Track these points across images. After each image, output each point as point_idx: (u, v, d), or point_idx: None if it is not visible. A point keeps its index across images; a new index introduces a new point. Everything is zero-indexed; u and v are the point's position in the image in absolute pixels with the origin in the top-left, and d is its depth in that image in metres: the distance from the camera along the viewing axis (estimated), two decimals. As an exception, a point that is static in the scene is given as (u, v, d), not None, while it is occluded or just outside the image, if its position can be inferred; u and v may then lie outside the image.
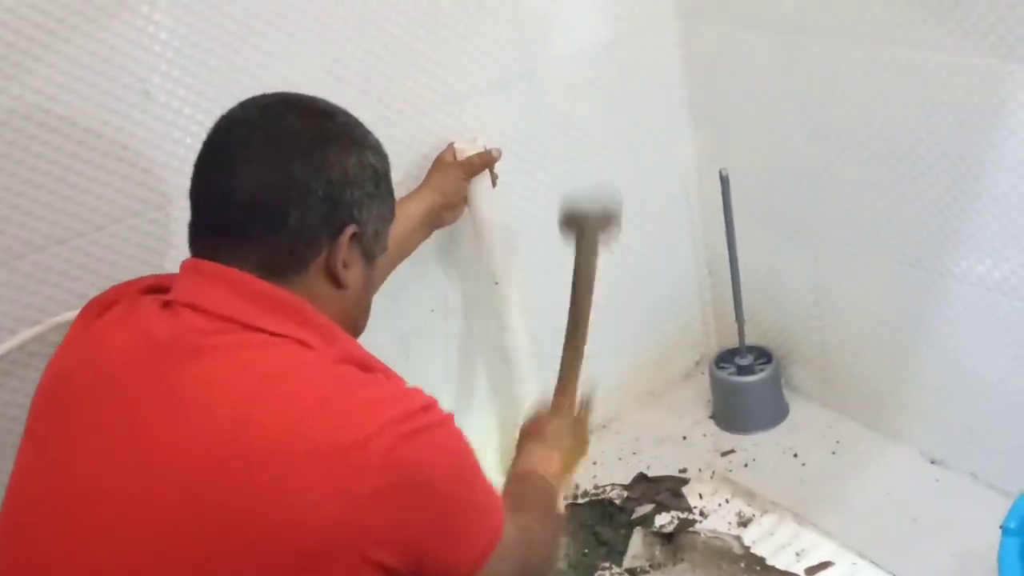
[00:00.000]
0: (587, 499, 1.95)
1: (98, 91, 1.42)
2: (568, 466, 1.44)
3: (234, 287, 1.08)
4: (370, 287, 1.21)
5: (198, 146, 1.47)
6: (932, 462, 1.86)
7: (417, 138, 1.73)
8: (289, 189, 1.08)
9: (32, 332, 1.43)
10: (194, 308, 1.07)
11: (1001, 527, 1.37)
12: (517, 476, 1.38)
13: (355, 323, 1.20)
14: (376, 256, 1.19)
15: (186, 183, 1.49)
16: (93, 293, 1.44)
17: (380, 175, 1.17)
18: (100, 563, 1.00)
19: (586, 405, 1.54)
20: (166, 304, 1.10)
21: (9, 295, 1.42)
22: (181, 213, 1.50)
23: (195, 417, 1.00)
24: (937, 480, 1.83)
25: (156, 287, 1.17)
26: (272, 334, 1.06)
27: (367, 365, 1.10)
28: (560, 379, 1.55)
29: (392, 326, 1.81)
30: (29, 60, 1.36)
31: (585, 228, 1.62)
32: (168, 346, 1.06)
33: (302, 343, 1.06)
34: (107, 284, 1.45)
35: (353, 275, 1.14)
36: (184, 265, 1.13)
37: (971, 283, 1.65)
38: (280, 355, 1.05)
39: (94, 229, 1.46)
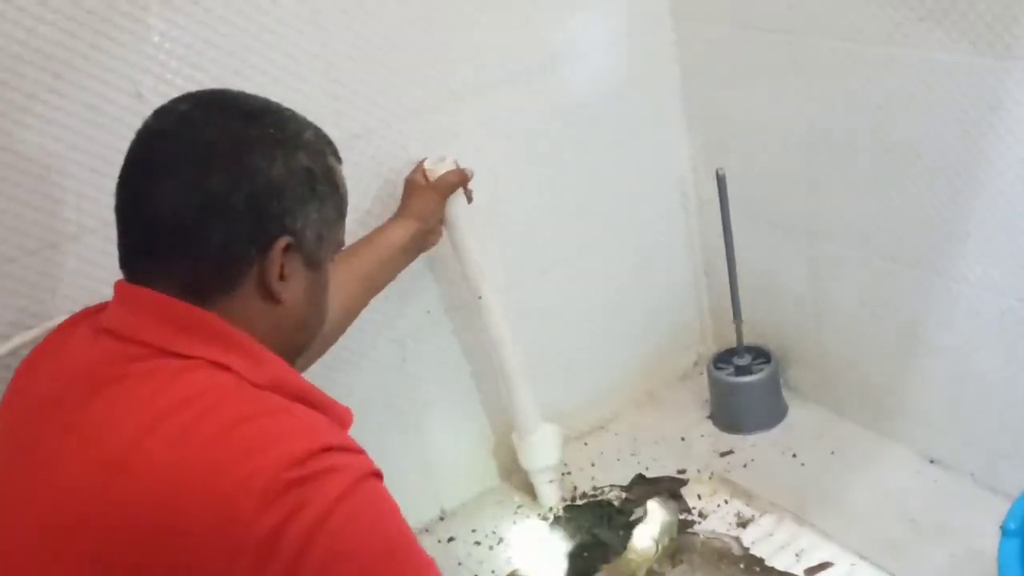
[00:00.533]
0: (585, 500, 1.94)
1: (90, 93, 1.41)
2: None
3: (152, 311, 1.03)
4: (316, 296, 1.14)
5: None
6: (931, 462, 1.86)
7: (412, 138, 1.72)
8: (207, 207, 1.02)
9: (27, 336, 1.41)
10: (113, 334, 1.03)
11: (1001, 528, 1.36)
12: None
13: (294, 339, 1.13)
14: (323, 261, 1.12)
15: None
16: (86, 297, 1.44)
17: (317, 176, 1.09)
18: None
19: None
20: (95, 329, 1.06)
21: (2, 299, 1.40)
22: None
23: (84, 452, 0.96)
24: (936, 481, 1.82)
25: (101, 307, 1.13)
26: (187, 357, 1.00)
27: (302, 396, 1.04)
28: None
29: (388, 329, 1.80)
30: (20, 64, 1.35)
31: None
32: (82, 375, 1.02)
33: (219, 365, 1.01)
34: (102, 287, 1.45)
35: (292, 287, 1.08)
36: (115, 287, 1.08)
37: (969, 283, 1.64)
38: (188, 380, 0.99)
39: (87, 232, 1.45)
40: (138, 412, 0.96)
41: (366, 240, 1.61)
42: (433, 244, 1.71)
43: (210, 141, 1.04)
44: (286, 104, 1.13)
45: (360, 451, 1.00)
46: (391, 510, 0.99)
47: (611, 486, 1.97)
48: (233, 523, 0.89)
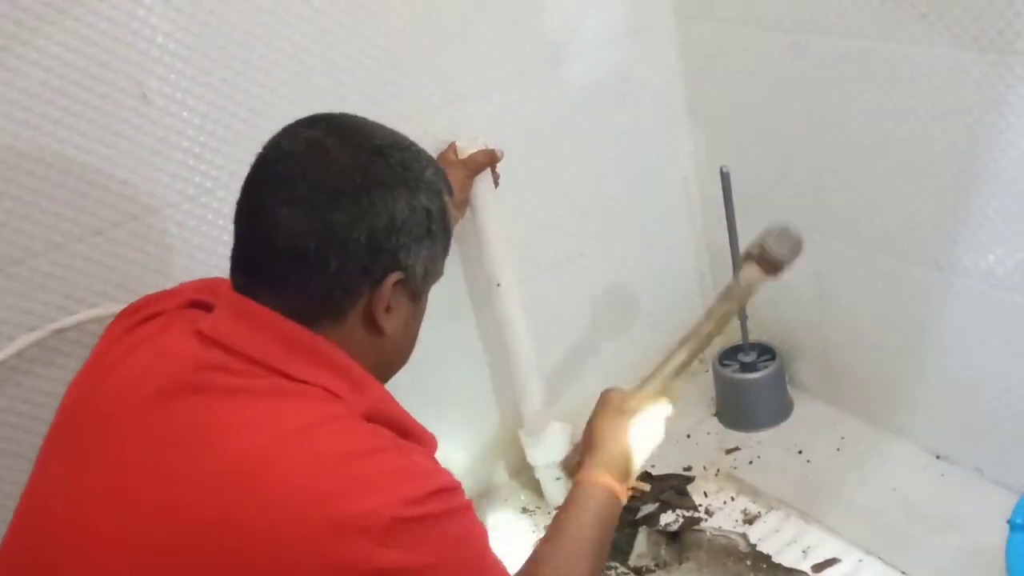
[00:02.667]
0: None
1: (95, 95, 1.41)
2: (633, 471, 1.33)
3: (267, 329, 1.05)
4: (416, 324, 1.17)
5: (196, 149, 1.49)
6: (937, 458, 1.85)
7: (418, 139, 1.71)
8: (330, 238, 1.04)
9: (31, 338, 1.42)
10: (225, 348, 1.04)
11: (1008, 523, 1.36)
12: (569, 500, 1.27)
13: (392, 365, 1.16)
14: (425, 293, 1.15)
15: (184, 188, 1.51)
16: (92, 298, 1.45)
17: (433, 216, 1.11)
18: None
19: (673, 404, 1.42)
20: (198, 334, 1.07)
21: (7, 301, 1.41)
22: (183, 217, 1.53)
23: (200, 462, 0.98)
24: (942, 475, 1.82)
25: (197, 302, 1.15)
26: (299, 381, 1.03)
27: (399, 424, 1.07)
28: (663, 367, 1.44)
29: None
30: (25, 64, 1.35)
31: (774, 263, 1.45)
32: (189, 382, 1.03)
33: (330, 392, 1.03)
34: (107, 288, 1.47)
35: (395, 319, 1.10)
36: (225, 295, 1.10)
37: (975, 278, 1.64)
38: (307, 407, 1.01)
39: (92, 233, 1.46)
40: (260, 429, 0.98)
41: None
42: (456, 221, 1.70)
43: (339, 173, 1.05)
44: (289, 107, 1.13)
45: (458, 486, 1.03)
46: (484, 543, 1.05)
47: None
48: (349, 551, 0.92)
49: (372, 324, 1.08)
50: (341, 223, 1.04)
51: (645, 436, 1.38)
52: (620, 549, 1.86)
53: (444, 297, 1.86)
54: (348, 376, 1.06)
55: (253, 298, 1.06)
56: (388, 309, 1.09)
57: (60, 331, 1.43)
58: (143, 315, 1.16)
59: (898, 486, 1.81)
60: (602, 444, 1.32)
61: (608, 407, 1.37)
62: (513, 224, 1.88)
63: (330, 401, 1.03)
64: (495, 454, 2.04)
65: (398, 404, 1.11)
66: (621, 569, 1.82)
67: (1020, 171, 1.50)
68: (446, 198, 1.16)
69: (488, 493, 2.01)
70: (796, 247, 1.44)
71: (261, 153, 1.10)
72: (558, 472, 1.93)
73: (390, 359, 1.15)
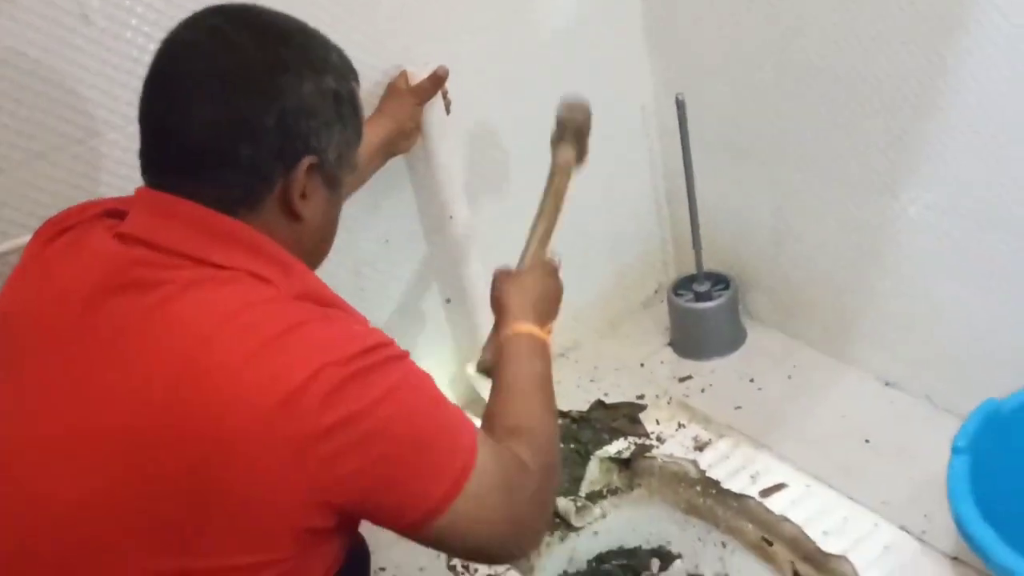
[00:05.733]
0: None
1: (36, 15, 1.37)
2: (550, 319, 1.41)
3: (188, 221, 1.04)
4: (333, 214, 1.17)
5: (139, 72, 1.44)
6: (887, 385, 1.88)
7: (378, 69, 1.70)
8: (240, 126, 1.03)
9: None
10: (147, 243, 1.04)
11: (951, 446, 1.38)
12: (501, 360, 1.31)
13: (314, 255, 1.17)
14: (342, 180, 1.15)
15: (127, 111, 1.47)
16: (33, 223, 1.41)
17: (342, 98, 1.11)
18: (38, 509, 0.99)
19: (555, 257, 1.53)
20: (119, 235, 1.07)
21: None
22: (127, 141, 1.49)
23: (143, 359, 0.98)
24: (892, 403, 1.84)
25: (113, 211, 1.14)
26: (227, 268, 1.03)
27: (326, 301, 1.08)
28: (528, 244, 1.54)
29: (345, 256, 1.79)
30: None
31: (575, 126, 1.63)
32: (118, 282, 1.03)
33: (259, 277, 1.04)
34: (48, 214, 1.42)
35: (312, 205, 1.10)
36: (138, 195, 1.09)
37: (927, 207, 1.65)
38: (235, 291, 1.02)
39: (35, 157, 1.43)
40: (196, 316, 0.99)
41: None
42: (406, 149, 1.71)
43: (243, 61, 1.05)
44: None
45: (392, 341, 1.06)
46: (428, 385, 1.08)
47: (570, 412, 1.98)
48: (296, 419, 0.95)
49: (289, 210, 1.09)
50: (250, 110, 1.04)
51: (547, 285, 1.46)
52: (572, 476, 1.88)
53: (397, 227, 1.86)
54: (274, 260, 1.06)
55: (168, 193, 1.06)
56: (304, 195, 1.09)
57: (3, 255, 1.41)
58: (58, 229, 1.14)
59: (847, 414, 1.83)
60: (507, 305, 1.37)
61: (500, 280, 1.43)
62: (469, 153, 1.86)
63: (260, 285, 1.04)
64: (447, 386, 2.04)
65: (327, 286, 1.12)
66: (572, 496, 1.84)
67: (978, 102, 1.50)
68: (354, 84, 1.15)
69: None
70: (584, 110, 1.63)
71: (161, 47, 1.08)
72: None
73: (312, 248, 1.15)
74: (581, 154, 1.63)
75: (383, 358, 1.03)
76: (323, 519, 1.00)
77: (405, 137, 1.68)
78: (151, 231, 1.05)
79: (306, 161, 1.07)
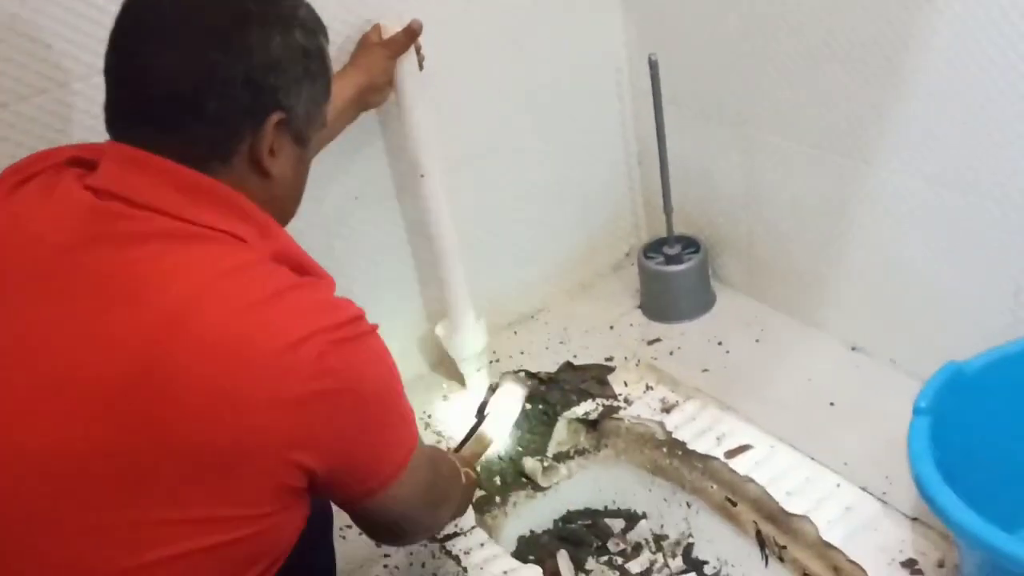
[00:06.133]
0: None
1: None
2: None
3: (163, 177, 1.04)
4: (302, 171, 1.18)
5: (105, 20, 1.42)
6: (853, 349, 1.89)
7: (349, 24, 1.68)
8: (206, 79, 1.03)
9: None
10: (124, 199, 1.03)
11: (912, 407, 1.39)
12: None
13: (284, 212, 1.17)
14: (310, 138, 1.16)
15: (94, 60, 1.44)
16: (-4, 172, 1.41)
17: (310, 54, 1.11)
18: (12, 457, 0.98)
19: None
20: (91, 188, 1.05)
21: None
22: (92, 92, 1.46)
23: (125, 310, 0.98)
24: (857, 367, 1.85)
25: (78, 159, 1.13)
26: (206, 227, 1.03)
27: (302, 265, 1.09)
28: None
29: (314, 213, 1.77)
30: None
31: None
32: (97, 234, 1.02)
33: (237, 238, 1.04)
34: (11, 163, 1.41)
35: (281, 162, 1.11)
36: (108, 148, 1.08)
37: (896, 172, 1.65)
38: (219, 251, 1.02)
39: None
40: (181, 275, 1.00)
41: None
42: (378, 104, 1.70)
43: (212, 14, 1.05)
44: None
45: (364, 313, 1.09)
46: (392, 362, 1.12)
47: (539, 373, 1.98)
48: (285, 377, 0.97)
49: (258, 167, 1.09)
50: (218, 63, 1.04)
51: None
52: (541, 436, 1.89)
53: (368, 184, 1.84)
54: (251, 220, 1.07)
55: (137, 146, 1.05)
56: (272, 152, 1.09)
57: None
58: (21, 177, 1.13)
59: (813, 377, 1.84)
60: None
61: None
62: (441, 112, 1.84)
63: (240, 246, 1.04)
64: (416, 346, 2.04)
65: (300, 247, 1.12)
66: (538, 457, 1.85)
67: (949, 65, 1.50)
68: (323, 40, 1.15)
69: (409, 384, 2.00)
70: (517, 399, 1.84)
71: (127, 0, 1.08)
72: (478, 363, 1.94)
73: (281, 205, 1.15)
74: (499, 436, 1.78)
75: (363, 331, 1.06)
76: (298, 479, 1.02)
77: (377, 91, 1.66)
78: (127, 186, 1.04)
79: (274, 117, 1.07)
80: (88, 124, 1.47)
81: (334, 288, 1.11)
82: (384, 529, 1.24)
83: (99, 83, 1.43)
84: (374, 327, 1.09)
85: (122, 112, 1.08)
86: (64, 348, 0.99)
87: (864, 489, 1.59)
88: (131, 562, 0.97)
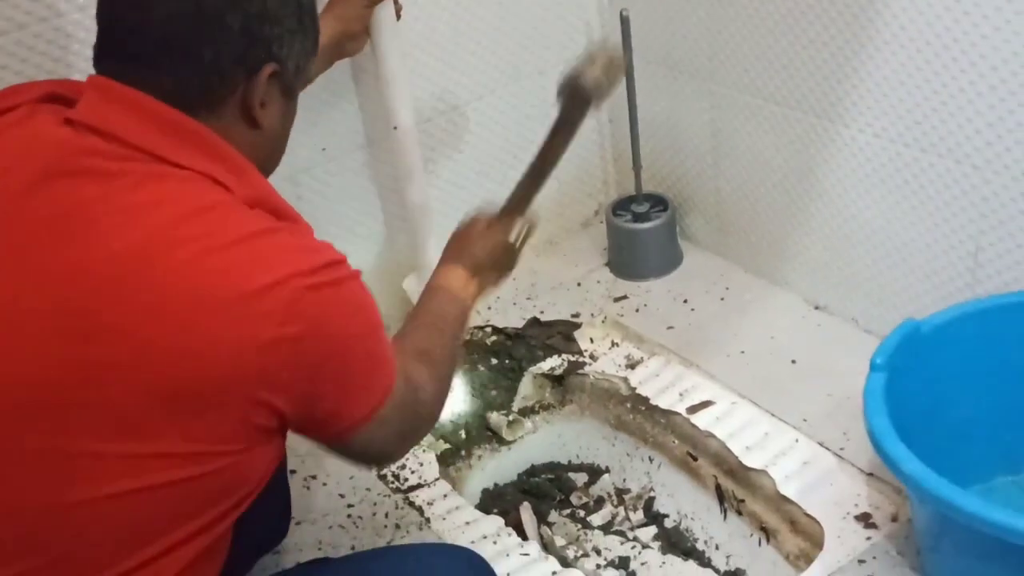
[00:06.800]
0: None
1: None
2: (487, 285, 1.43)
3: (145, 114, 1.03)
4: (289, 123, 1.18)
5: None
6: (816, 308, 1.90)
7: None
8: (203, 23, 1.03)
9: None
10: (101, 133, 1.02)
11: (870, 363, 1.40)
12: (427, 292, 1.38)
13: (267, 164, 1.17)
14: (297, 92, 1.16)
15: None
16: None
17: (304, 8, 1.12)
18: None
19: (525, 232, 1.47)
20: (68, 121, 1.04)
21: None
22: (71, 27, 1.45)
23: (94, 244, 0.97)
24: (819, 325, 1.87)
25: (55, 95, 1.11)
26: (183, 167, 1.02)
27: (279, 211, 1.08)
28: (510, 199, 1.49)
29: (282, 163, 1.76)
30: None
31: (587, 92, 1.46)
32: (68, 167, 1.01)
33: (215, 180, 1.03)
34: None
35: (270, 114, 1.10)
36: (91, 82, 1.07)
37: (860, 129, 1.66)
38: (193, 191, 1.01)
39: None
40: (151, 212, 0.98)
41: None
42: (353, 52, 1.68)
43: None
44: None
45: (345, 258, 1.07)
46: (374, 307, 1.10)
47: (505, 328, 1.99)
48: (257, 318, 0.96)
49: (248, 117, 1.08)
50: (214, 9, 1.03)
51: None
52: (506, 391, 1.90)
53: (337, 135, 1.84)
54: (229, 163, 1.05)
55: (126, 84, 1.04)
56: (263, 104, 1.09)
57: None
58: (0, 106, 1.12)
59: (776, 335, 1.86)
60: (459, 248, 1.42)
61: (472, 224, 1.46)
62: (415, 63, 1.84)
63: (215, 187, 1.03)
64: (384, 299, 2.02)
65: (278, 194, 1.11)
66: (504, 412, 1.86)
67: (911, 21, 1.51)
68: None
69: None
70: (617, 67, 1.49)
71: None
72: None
73: (266, 157, 1.15)
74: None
75: (342, 276, 1.05)
76: (267, 418, 1.01)
77: (352, 39, 1.65)
78: (106, 121, 1.03)
79: (268, 69, 1.07)
80: (71, 61, 1.47)
81: (312, 235, 1.10)
82: (362, 462, 1.27)
83: (79, 20, 1.43)
84: (355, 272, 1.08)
85: (112, 50, 1.07)
86: (26, 278, 0.98)
87: (822, 444, 1.61)
88: (93, 493, 0.97)
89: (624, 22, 1.89)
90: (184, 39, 1.03)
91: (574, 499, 1.83)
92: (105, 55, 1.07)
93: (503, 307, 2.05)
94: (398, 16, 1.68)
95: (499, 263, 1.44)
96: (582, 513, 1.80)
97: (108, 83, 1.05)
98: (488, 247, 1.43)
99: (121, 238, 0.97)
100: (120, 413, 0.96)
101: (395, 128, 1.75)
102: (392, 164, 1.81)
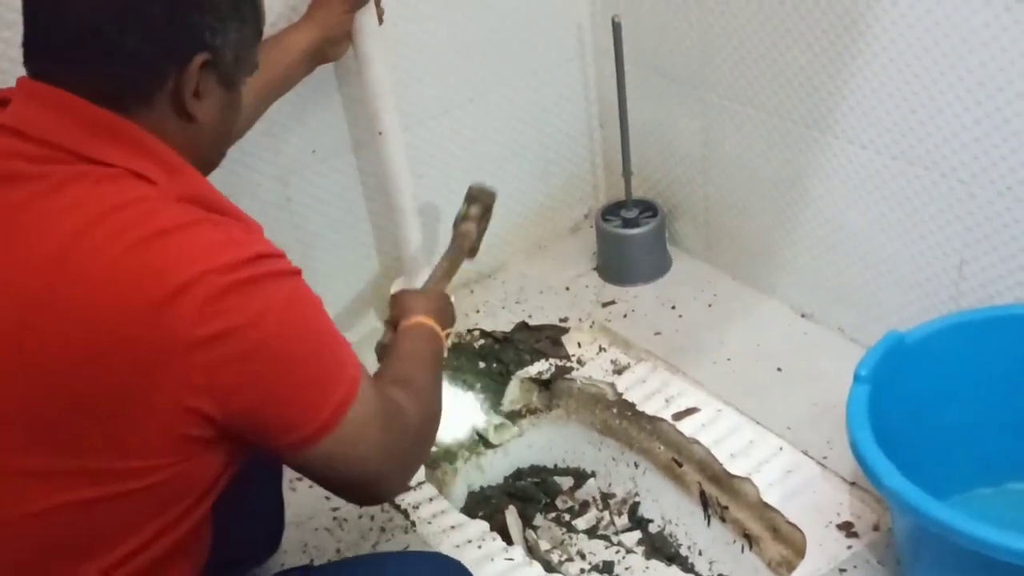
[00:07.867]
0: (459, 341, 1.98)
1: None
2: (446, 327, 1.41)
3: (68, 113, 1.00)
4: (230, 116, 1.13)
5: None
6: (803, 316, 1.91)
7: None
8: (125, 14, 0.99)
9: None
10: (21, 134, 1.00)
11: (854, 374, 1.41)
12: (395, 339, 1.35)
13: (208, 157, 1.13)
14: (238, 82, 1.11)
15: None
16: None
17: None
18: None
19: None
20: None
21: None
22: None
23: (8, 255, 0.96)
24: (805, 334, 1.88)
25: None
26: (107, 165, 0.99)
27: (213, 205, 1.04)
28: (433, 277, 1.60)
29: (270, 165, 1.77)
30: None
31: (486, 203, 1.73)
32: None
33: (140, 176, 1.00)
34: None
35: (206, 106, 1.06)
36: (19, 84, 1.05)
37: (848, 141, 1.67)
38: (113, 189, 0.98)
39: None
40: (70, 213, 0.96)
41: (269, 39, 1.53)
42: (336, 57, 1.68)
43: None
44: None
45: (282, 254, 1.03)
46: (316, 307, 1.04)
47: (494, 332, 2.00)
48: (171, 323, 0.93)
49: (182, 110, 1.04)
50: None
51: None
52: (494, 395, 1.91)
53: (325, 138, 1.84)
54: (159, 160, 1.02)
55: (52, 84, 1.01)
56: (197, 95, 1.05)
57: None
58: None
59: (762, 343, 1.87)
60: (409, 306, 1.40)
61: (401, 293, 1.48)
62: (400, 67, 1.84)
63: (141, 184, 0.99)
64: (371, 303, 2.04)
65: (218, 191, 1.07)
66: (491, 416, 1.87)
67: (899, 34, 1.52)
68: None
69: (363, 340, 2.02)
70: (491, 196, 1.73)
71: None
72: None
73: (206, 150, 1.11)
74: (479, 235, 1.71)
75: (270, 271, 0.99)
76: (200, 428, 0.98)
77: (333, 44, 1.65)
78: (27, 122, 1.01)
79: (199, 58, 1.03)
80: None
81: (257, 231, 1.05)
82: (332, 485, 1.11)
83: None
84: (290, 269, 1.02)
85: (36, 46, 1.03)
86: None
87: (805, 453, 1.63)
88: (18, 511, 0.97)
89: (616, 28, 1.90)
90: (106, 31, 0.99)
91: (559, 503, 1.84)
92: (31, 54, 1.04)
93: (491, 311, 2.06)
94: (380, 20, 1.68)
95: (444, 311, 1.44)
96: (567, 517, 1.81)
97: (33, 84, 1.03)
98: (432, 297, 1.46)
99: (41, 243, 0.95)
100: (43, 427, 0.95)
101: (380, 134, 1.76)
102: (378, 169, 1.82)
